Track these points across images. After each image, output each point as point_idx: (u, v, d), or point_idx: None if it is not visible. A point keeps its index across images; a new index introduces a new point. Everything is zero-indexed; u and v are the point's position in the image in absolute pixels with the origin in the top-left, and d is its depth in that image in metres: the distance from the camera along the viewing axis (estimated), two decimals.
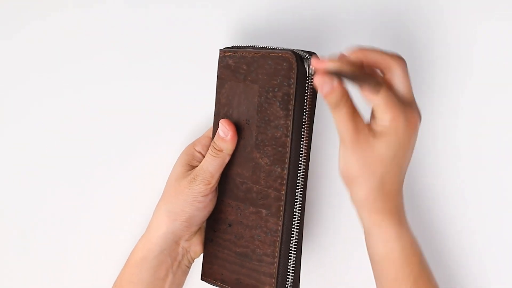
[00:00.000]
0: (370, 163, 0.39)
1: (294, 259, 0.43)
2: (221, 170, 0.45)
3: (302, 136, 0.42)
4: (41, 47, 0.55)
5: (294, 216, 0.43)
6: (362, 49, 0.40)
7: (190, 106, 0.53)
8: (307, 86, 0.42)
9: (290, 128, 0.42)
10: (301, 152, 0.43)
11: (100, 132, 0.55)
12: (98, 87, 0.55)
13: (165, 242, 0.46)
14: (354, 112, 0.39)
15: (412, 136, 0.40)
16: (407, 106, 0.39)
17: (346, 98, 0.39)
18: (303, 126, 0.42)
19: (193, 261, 0.49)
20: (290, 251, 0.43)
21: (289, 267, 0.43)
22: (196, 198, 0.45)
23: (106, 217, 0.55)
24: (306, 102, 0.42)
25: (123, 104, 0.55)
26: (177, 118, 0.53)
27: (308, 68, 0.42)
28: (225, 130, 0.44)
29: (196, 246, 0.48)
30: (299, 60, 0.42)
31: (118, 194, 0.55)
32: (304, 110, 0.42)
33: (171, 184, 0.47)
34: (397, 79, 0.40)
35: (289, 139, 0.42)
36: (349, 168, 0.40)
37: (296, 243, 0.43)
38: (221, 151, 0.45)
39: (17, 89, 0.55)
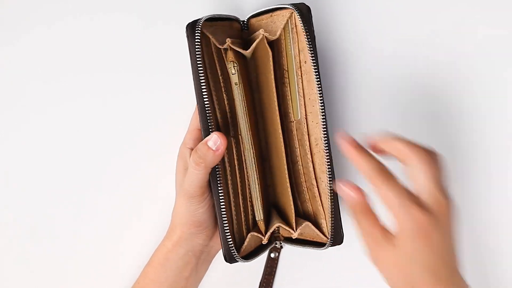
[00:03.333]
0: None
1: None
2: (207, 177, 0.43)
3: (206, 100, 0.42)
4: (45, 54, 0.55)
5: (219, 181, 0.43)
6: (389, 140, 0.39)
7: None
8: (198, 49, 0.42)
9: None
10: (208, 116, 0.42)
11: (103, 136, 0.55)
12: (103, 92, 0.55)
13: (186, 243, 0.45)
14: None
15: (421, 238, 0.37)
16: (415, 206, 0.37)
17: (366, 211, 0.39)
18: (203, 89, 0.42)
19: (216, 254, 0.49)
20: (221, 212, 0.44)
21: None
22: (196, 211, 0.44)
23: (109, 220, 0.55)
24: (201, 67, 0.42)
25: (127, 108, 0.55)
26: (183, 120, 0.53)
27: (190, 33, 0.42)
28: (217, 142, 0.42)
29: (218, 244, 0.47)
30: (190, 28, 0.42)
31: (121, 196, 0.55)
32: (200, 71, 0.42)
33: (176, 191, 0.47)
34: (415, 174, 0.38)
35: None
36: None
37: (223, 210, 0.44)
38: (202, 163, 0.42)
39: (21, 94, 0.56)
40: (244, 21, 0.47)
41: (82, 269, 0.55)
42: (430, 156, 0.38)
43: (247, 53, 0.44)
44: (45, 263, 0.55)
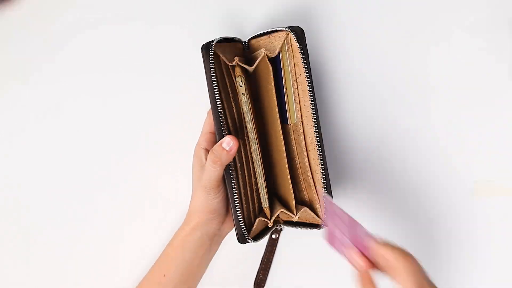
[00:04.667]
0: None
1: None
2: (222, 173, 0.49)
3: (220, 110, 0.48)
4: (45, 54, 0.56)
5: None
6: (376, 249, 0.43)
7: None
8: (212, 67, 0.48)
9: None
10: (221, 122, 0.48)
11: (103, 136, 0.57)
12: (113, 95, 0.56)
13: (202, 227, 0.52)
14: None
15: None
16: None
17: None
18: (217, 102, 0.48)
19: (225, 236, 0.55)
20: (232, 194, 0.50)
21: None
22: (212, 201, 0.51)
23: (110, 220, 0.57)
24: (215, 83, 0.48)
25: (127, 108, 0.56)
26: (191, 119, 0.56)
27: (206, 50, 0.47)
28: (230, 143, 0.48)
29: (228, 228, 0.54)
30: (204, 49, 0.48)
31: (122, 196, 0.57)
32: (214, 83, 0.48)
33: (194, 183, 0.52)
34: (398, 278, 0.42)
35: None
36: None
37: (234, 188, 0.50)
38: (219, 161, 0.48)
39: (21, 94, 0.55)
40: (245, 42, 0.53)
41: (82, 269, 0.56)
42: (409, 263, 0.42)
43: (251, 69, 0.51)
44: (45, 263, 0.56)
